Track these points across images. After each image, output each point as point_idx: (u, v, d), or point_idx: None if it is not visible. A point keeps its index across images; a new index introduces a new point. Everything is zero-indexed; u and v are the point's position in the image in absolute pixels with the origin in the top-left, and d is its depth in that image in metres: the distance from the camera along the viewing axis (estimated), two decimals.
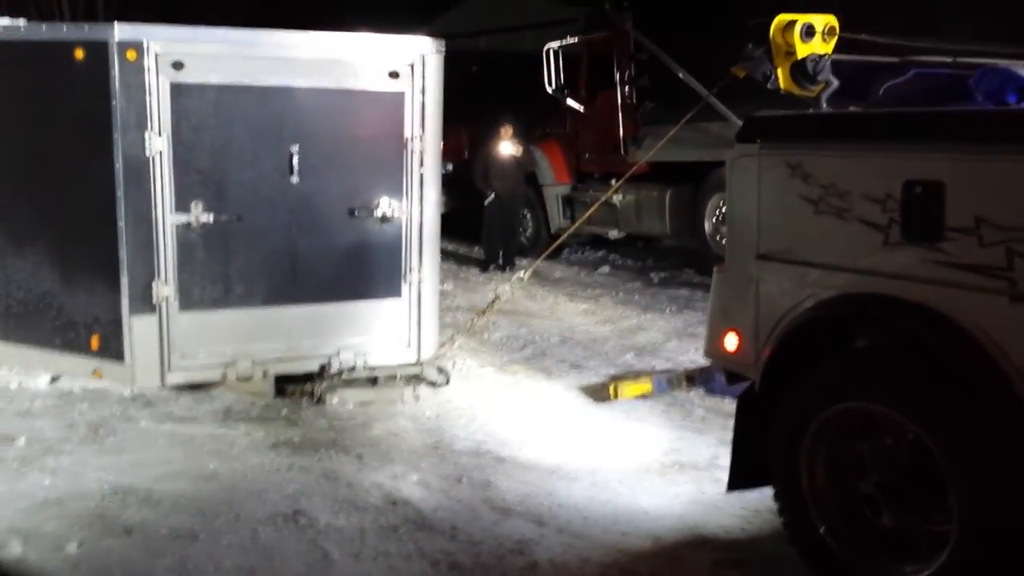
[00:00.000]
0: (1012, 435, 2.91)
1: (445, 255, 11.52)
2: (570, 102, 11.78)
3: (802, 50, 4.23)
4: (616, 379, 6.33)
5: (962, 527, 3.02)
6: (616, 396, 5.91)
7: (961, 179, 3.00)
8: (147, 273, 5.49)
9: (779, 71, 4.40)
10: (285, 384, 5.96)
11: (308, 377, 5.95)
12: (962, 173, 3.01)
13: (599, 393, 6.21)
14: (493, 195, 11.36)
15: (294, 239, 5.83)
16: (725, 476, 3.97)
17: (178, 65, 5.41)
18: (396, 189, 6.01)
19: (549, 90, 11.70)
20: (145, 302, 5.50)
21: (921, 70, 4.04)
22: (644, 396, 5.97)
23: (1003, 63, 3.81)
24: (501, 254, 11.53)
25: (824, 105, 4.10)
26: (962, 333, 2.99)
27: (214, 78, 5.51)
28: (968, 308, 2.98)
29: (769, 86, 4.46)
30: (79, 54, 5.40)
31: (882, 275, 3.24)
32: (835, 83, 4.12)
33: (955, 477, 3.02)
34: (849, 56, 4.43)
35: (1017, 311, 2.87)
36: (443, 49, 6.04)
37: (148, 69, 5.34)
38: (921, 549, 3.27)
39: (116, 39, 5.29)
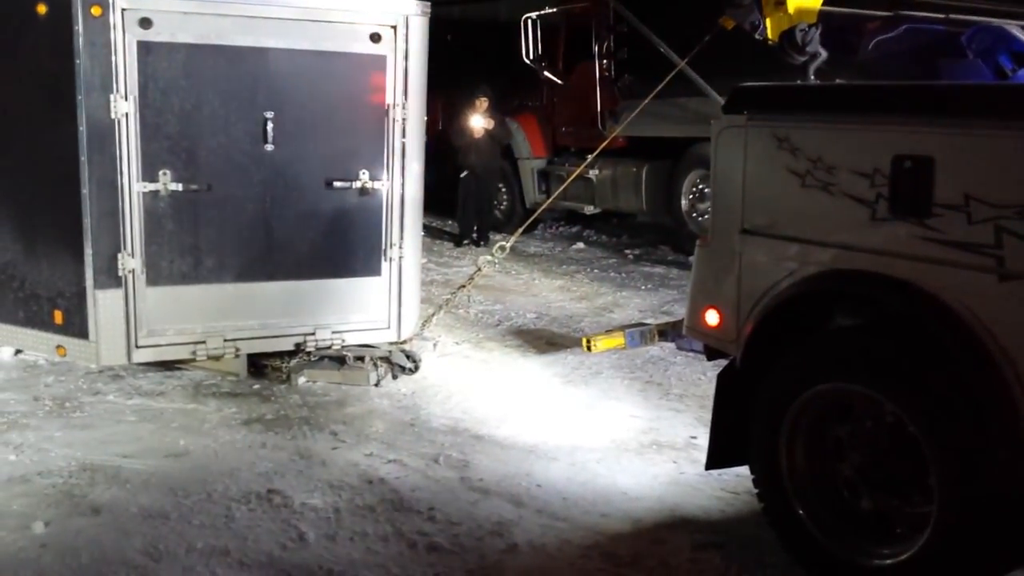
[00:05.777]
0: (995, 415, 2.88)
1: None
2: (547, 74, 11.61)
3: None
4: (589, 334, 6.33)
5: (942, 508, 3.00)
6: (590, 349, 5.89)
7: (951, 155, 2.95)
8: (112, 244, 5.27)
9: (767, 20, 4.30)
10: (260, 361, 5.82)
11: (283, 356, 5.78)
12: (952, 149, 2.96)
13: (576, 368, 6.18)
14: (468, 169, 11.22)
15: (268, 211, 5.61)
16: (703, 457, 3.92)
17: (146, 22, 5.17)
18: (377, 160, 5.77)
19: (526, 61, 11.51)
20: (111, 275, 5.29)
21: (913, 25, 3.96)
22: (618, 349, 6.04)
23: (996, 22, 3.74)
24: (475, 229, 11.43)
25: (812, 77, 4.03)
26: (948, 311, 2.95)
27: (184, 37, 5.27)
28: (955, 286, 2.94)
29: (757, 36, 4.38)
30: (41, 8, 5.14)
31: (868, 251, 3.19)
32: (823, 54, 4.06)
33: (937, 458, 2.99)
34: (840, 8, 4.34)
35: (1005, 289, 2.83)
36: (428, 11, 5.76)
37: (114, 26, 5.08)
38: (901, 531, 3.25)
39: None
